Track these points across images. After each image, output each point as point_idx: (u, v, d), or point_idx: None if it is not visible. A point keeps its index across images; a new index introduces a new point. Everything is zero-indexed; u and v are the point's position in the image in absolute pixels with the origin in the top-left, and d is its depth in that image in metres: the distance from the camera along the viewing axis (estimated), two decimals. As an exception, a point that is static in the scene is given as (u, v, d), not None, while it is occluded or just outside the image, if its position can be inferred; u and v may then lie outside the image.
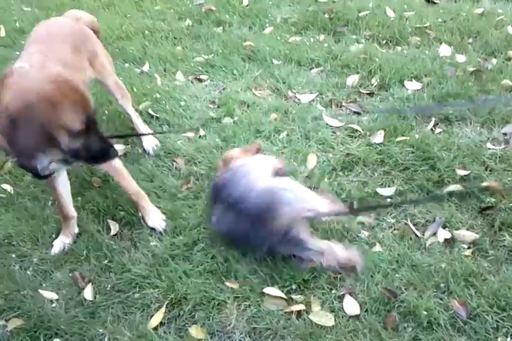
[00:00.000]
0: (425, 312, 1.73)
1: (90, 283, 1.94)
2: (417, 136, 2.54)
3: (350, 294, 1.83)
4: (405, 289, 1.83)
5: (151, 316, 1.81)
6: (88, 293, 1.90)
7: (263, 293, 1.85)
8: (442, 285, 1.84)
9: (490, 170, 2.32)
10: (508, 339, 1.64)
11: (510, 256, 1.94)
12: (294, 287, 1.86)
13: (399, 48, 3.40)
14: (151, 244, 2.06)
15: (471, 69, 3.00)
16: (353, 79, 3.08)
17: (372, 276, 1.88)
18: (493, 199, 2.15)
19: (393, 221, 2.14)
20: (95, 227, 2.16)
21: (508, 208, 2.09)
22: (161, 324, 1.79)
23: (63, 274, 1.99)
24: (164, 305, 1.82)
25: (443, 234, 2.03)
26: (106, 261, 2.01)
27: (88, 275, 1.97)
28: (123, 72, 3.31)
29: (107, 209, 2.23)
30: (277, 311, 1.80)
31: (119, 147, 2.61)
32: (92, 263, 2.01)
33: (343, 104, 2.93)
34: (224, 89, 3.17)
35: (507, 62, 3.08)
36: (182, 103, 2.96)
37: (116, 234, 2.14)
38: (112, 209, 2.23)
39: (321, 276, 1.88)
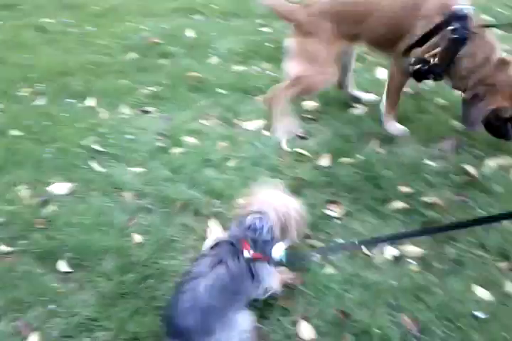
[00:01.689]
0: (378, 331, 1.75)
1: (35, 331, 1.84)
2: (361, 157, 2.61)
3: (305, 319, 1.83)
4: (358, 309, 1.85)
5: (103, 361, 1.74)
6: (33, 343, 1.81)
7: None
8: (393, 302, 1.86)
9: (431, 186, 2.40)
10: (458, 350, 1.67)
11: (454, 268, 2.00)
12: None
13: (339, 73, 3.51)
14: (100, 284, 2.00)
15: (411, 92, 3.14)
16: (297, 105, 3.16)
17: (324, 299, 1.89)
18: (435, 214, 2.22)
19: (343, 241, 2.17)
20: (40, 271, 2.08)
21: (450, 221, 2.16)
22: (113, 368, 1.72)
23: (4, 325, 1.87)
24: (116, 348, 1.76)
25: (391, 252, 2.08)
26: (53, 306, 1.92)
27: (33, 322, 1.87)
28: (66, 108, 3.29)
29: (52, 251, 2.16)
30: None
31: (65, 185, 2.56)
32: (36, 309, 1.92)
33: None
34: (171, 120, 3.18)
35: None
36: (128, 136, 2.95)
37: (63, 277, 2.07)
38: (59, 251, 2.16)
39: (273, 304, 1.87)
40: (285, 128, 2.90)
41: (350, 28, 2.64)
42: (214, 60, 3.91)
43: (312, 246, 2.14)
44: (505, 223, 2.12)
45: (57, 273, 2.08)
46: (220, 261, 1.65)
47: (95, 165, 2.70)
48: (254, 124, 3.05)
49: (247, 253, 1.68)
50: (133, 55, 4.07)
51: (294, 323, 1.81)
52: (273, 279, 1.79)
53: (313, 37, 2.67)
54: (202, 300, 1.55)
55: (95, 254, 2.13)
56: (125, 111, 3.27)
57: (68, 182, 2.59)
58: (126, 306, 1.89)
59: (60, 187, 2.54)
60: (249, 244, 1.69)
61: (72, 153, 2.81)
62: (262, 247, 1.70)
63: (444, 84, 2.73)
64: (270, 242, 1.72)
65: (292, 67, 2.79)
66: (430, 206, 2.27)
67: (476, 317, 1.78)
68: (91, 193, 2.51)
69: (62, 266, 2.10)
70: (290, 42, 2.78)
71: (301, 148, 2.76)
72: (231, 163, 2.70)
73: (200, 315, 1.53)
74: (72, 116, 3.22)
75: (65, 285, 2.02)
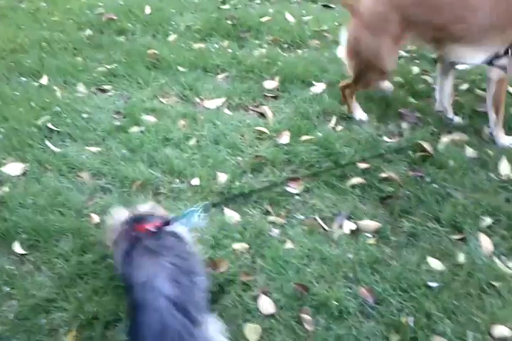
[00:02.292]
0: (336, 303, 1.79)
1: (-11, 315, 1.80)
2: (320, 134, 2.63)
3: (265, 293, 1.85)
4: (317, 282, 1.89)
5: (61, 341, 1.72)
6: (-14, 326, 1.77)
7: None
8: (350, 274, 1.91)
9: (388, 162, 2.45)
10: (411, 318, 1.73)
11: (409, 241, 2.06)
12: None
13: (299, 51, 3.52)
14: (57, 265, 1.96)
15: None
16: (258, 83, 3.14)
17: (284, 273, 1.91)
18: (391, 189, 2.27)
19: (302, 217, 2.20)
20: (-7, 253, 2.03)
21: (406, 196, 2.23)
22: (72, 348, 1.70)
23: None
24: (74, 328, 1.73)
25: (348, 226, 2.12)
26: (7, 289, 1.88)
27: (-13, 306, 1.84)
28: (19, 87, 3.16)
29: (6, 233, 2.10)
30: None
31: (18, 165, 2.48)
32: (-10, 292, 1.87)
33: (250, 107, 2.97)
34: (129, 98, 3.11)
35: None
36: (84, 115, 2.87)
37: (18, 259, 2.02)
38: (13, 233, 2.10)
39: (234, 280, 1.89)
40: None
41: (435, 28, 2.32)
42: (173, 37, 3.82)
43: (273, 223, 2.16)
44: (458, 196, 2.19)
45: (12, 255, 2.04)
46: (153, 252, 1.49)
47: (50, 145, 2.62)
48: (214, 102, 3.02)
49: (151, 228, 1.57)
50: (88, 32, 3.92)
51: (255, 298, 1.84)
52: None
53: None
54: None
55: (52, 235, 2.09)
56: (81, 89, 3.17)
57: (22, 162, 2.51)
58: (85, 286, 1.87)
59: (13, 168, 2.46)
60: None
61: (25, 133, 2.71)
62: None
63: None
64: None
65: (348, 64, 2.61)
66: (387, 181, 2.32)
67: (429, 287, 1.85)
68: (46, 174, 2.44)
69: (17, 248, 2.05)
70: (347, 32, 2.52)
71: (261, 126, 2.75)
72: (191, 142, 2.67)
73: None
74: (25, 94, 3.10)
75: (20, 267, 1.98)
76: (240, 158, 2.54)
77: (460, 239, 2.05)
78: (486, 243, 2.00)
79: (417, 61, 3.34)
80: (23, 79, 3.29)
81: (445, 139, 2.57)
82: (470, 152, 2.47)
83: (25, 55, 3.57)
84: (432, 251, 2.00)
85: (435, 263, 1.94)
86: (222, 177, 2.40)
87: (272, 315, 1.78)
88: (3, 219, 2.16)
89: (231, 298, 1.83)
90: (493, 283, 1.84)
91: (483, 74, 3.10)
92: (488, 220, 2.09)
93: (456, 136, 2.58)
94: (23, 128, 2.74)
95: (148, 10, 4.24)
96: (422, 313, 1.75)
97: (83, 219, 2.18)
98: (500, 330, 1.70)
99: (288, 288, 1.86)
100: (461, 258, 1.96)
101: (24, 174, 2.45)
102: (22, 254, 2.03)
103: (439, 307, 1.78)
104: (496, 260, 1.94)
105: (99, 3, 4.42)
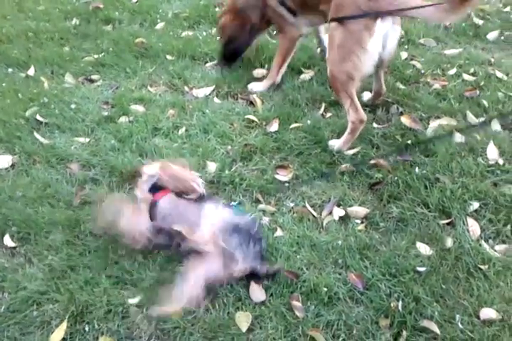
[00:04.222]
0: (325, 289, 1.81)
1: (-20, 308, 1.81)
2: (308, 121, 2.64)
3: (255, 281, 1.87)
4: (306, 269, 1.90)
5: (52, 333, 1.72)
6: (-22, 319, 1.78)
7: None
8: (340, 260, 1.93)
9: (376, 148, 2.46)
10: (400, 302, 1.75)
11: (398, 226, 2.08)
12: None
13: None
14: (48, 257, 1.96)
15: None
16: (247, 72, 3.12)
17: (275, 261, 1.93)
18: (380, 175, 2.28)
19: (292, 204, 2.21)
20: (-17, 246, 2.03)
21: (394, 182, 2.24)
22: (64, 340, 1.70)
23: None
24: (66, 320, 1.74)
25: (338, 212, 2.13)
26: (-2, 281, 1.89)
27: (-22, 298, 1.84)
28: (6, 78, 3.13)
29: (-4, 225, 2.10)
30: (184, 309, 1.79)
31: (6, 157, 2.47)
32: (-19, 285, 1.88)
33: (239, 95, 2.96)
34: (117, 88, 3.09)
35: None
36: (73, 106, 2.85)
37: (9, 252, 2.02)
38: (3, 226, 2.10)
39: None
40: None
41: None
42: (160, 25, 3.79)
43: (263, 211, 2.17)
44: (446, 181, 2.20)
45: (2, 248, 2.04)
46: None
47: (38, 137, 2.61)
48: (203, 91, 3.01)
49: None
50: (75, 21, 3.88)
51: (246, 286, 1.85)
52: None
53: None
54: None
55: (42, 228, 2.09)
56: (69, 79, 3.15)
57: (10, 154, 2.50)
58: (76, 278, 1.88)
59: (1, 160, 2.45)
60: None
61: (13, 125, 2.70)
62: None
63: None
64: None
65: None
66: (375, 167, 2.33)
67: (418, 272, 1.87)
68: (35, 165, 2.44)
69: (8, 240, 2.05)
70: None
71: (250, 115, 2.74)
72: (180, 131, 2.67)
73: None
74: (12, 86, 3.07)
75: (11, 259, 1.99)
76: (229, 147, 2.54)
77: (448, 224, 2.07)
78: (473, 227, 2.03)
79: (406, 46, 3.33)
80: (10, 70, 3.27)
81: (433, 124, 2.57)
82: (458, 137, 2.47)
83: (11, 46, 3.53)
84: (420, 236, 2.02)
85: (423, 248, 1.96)
86: (212, 167, 2.40)
87: (262, 303, 1.80)
88: (-7, 212, 2.16)
89: (222, 286, 1.84)
90: (480, 266, 1.87)
91: (471, 59, 3.12)
92: (475, 204, 2.11)
93: (444, 121, 2.58)
94: (11, 120, 2.72)
95: (135, -2, 4.19)
96: (411, 298, 1.77)
97: (73, 210, 2.17)
98: (487, 312, 1.72)
99: (278, 275, 1.88)
100: (449, 242, 1.98)
101: (13, 166, 2.44)
102: (13, 247, 2.03)
103: (428, 291, 1.80)
104: (483, 243, 1.96)
105: (86, -8, 4.35)
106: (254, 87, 2.98)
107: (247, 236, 1.85)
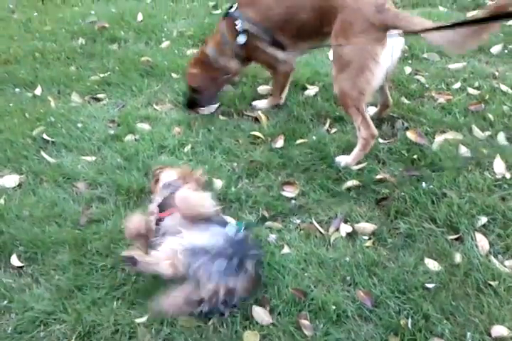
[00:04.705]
0: (334, 307, 1.79)
1: (-12, 328, 1.80)
2: (314, 137, 2.64)
3: (263, 300, 1.84)
4: (314, 287, 1.89)
5: (60, 353, 1.71)
6: (-16, 340, 1.78)
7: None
8: (348, 277, 1.91)
9: (382, 163, 2.46)
10: (409, 320, 1.73)
11: (405, 242, 2.06)
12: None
13: (292, 54, 3.51)
14: (54, 277, 1.96)
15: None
16: (252, 88, 3.15)
17: (282, 279, 1.92)
18: (387, 190, 2.27)
19: (299, 221, 2.20)
20: (-9, 266, 2.03)
21: (401, 197, 2.23)
22: (72, 360, 1.70)
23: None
24: (73, 340, 1.73)
25: (345, 229, 2.12)
26: (5, 302, 1.89)
27: (-16, 320, 1.84)
28: (13, 98, 3.18)
29: (3, 245, 2.11)
30: (193, 328, 1.78)
31: (13, 177, 2.49)
32: (-12, 306, 1.88)
33: (244, 112, 2.98)
34: (123, 106, 3.12)
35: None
36: (79, 125, 2.88)
37: (16, 272, 2.02)
38: (10, 246, 2.11)
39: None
40: None
41: None
42: (165, 43, 3.83)
43: (269, 228, 2.17)
44: (453, 196, 2.19)
45: (10, 268, 2.05)
46: None
47: (45, 156, 2.63)
48: (209, 108, 3.02)
49: None
50: (81, 41, 3.94)
51: (253, 306, 1.83)
52: None
53: None
54: None
55: (49, 247, 2.10)
56: (75, 98, 3.18)
57: (17, 174, 2.52)
58: (83, 298, 1.87)
59: (8, 180, 2.47)
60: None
61: (20, 144, 2.73)
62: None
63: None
64: None
65: None
66: (382, 183, 2.32)
67: (427, 289, 1.85)
68: (42, 185, 2.45)
69: (15, 260, 2.06)
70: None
71: (256, 131, 2.75)
72: (186, 148, 2.68)
73: None
74: (20, 105, 3.11)
75: (18, 280, 1.99)
76: (235, 164, 2.55)
77: (456, 239, 2.05)
78: (482, 242, 2.01)
79: (410, 61, 3.34)
80: (17, 90, 3.31)
81: (439, 138, 2.57)
82: (464, 151, 2.47)
83: (18, 66, 3.59)
84: (428, 252, 2.00)
85: (432, 264, 1.94)
86: (218, 184, 2.40)
87: (270, 324, 1.78)
88: (0, 232, 2.17)
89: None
90: (490, 282, 1.84)
91: (475, 72, 3.12)
92: (483, 219, 2.09)
93: (450, 136, 2.58)
94: (18, 139, 2.75)
95: (140, 17, 4.26)
96: (420, 315, 1.75)
97: (79, 229, 2.18)
98: (498, 330, 1.70)
99: (285, 293, 1.86)
100: (458, 258, 1.95)
101: (20, 186, 2.46)
102: (19, 267, 2.04)
103: (437, 308, 1.78)
104: (493, 259, 1.94)
105: (91, 12, 4.44)
106: (259, 104, 3.00)
107: (217, 256, 1.71)
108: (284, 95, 2.97)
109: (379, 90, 2.57)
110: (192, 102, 2.99)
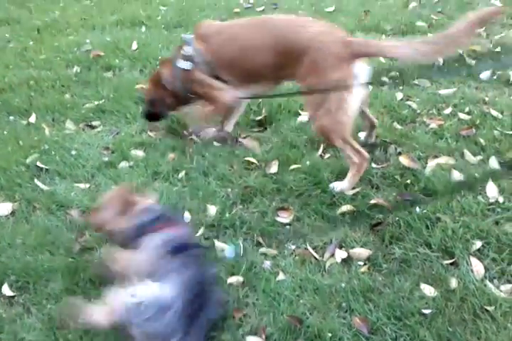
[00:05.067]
0: (330, 334, 1.77)
1: (-24, 362, 1.77)
2: (308, 162, 2.66)
3: (257, 329, 1.82)
4: (310, 314, 1.86)
5: (52, 386, 1.67)
6: (-27, 374, 1.74)
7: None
8: (344, 304, 1.89)
9: (376, 188, 2.47)
10: (407, 347, 1.71)
11: (401, 267, 2.05)
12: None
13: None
14: (47, 307, 1.93)
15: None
16: (246, 114, 3.18)
17: (277, 306, 1.89)
18: (381, 215, 2.28)
19: (293, 247, 2.19)
20: (-19, 297, 2.00)
21: (395, 222, 2.23)
22: None
23: None
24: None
25: (340, 254, 2.11)
26: (-5, 332, 1.85)
27: (-25, 351, 1.80)
28: (7, 126, 3.19)
29: (-6, 274, 2.08)
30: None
31: (6, 205, 2.47)
32: (-22, 337, 1.84)
33: (239, 139, 3.00)
34: (118, 133, 3.14)
35: (381, 88, 3.36)
36: (73, 152, 2.89)
37: (7, 301, 1.99)
38: (1, 275, 2.07)
39: (227, 318, 1.86)
40: None
41: None
42: (160, 71, 3.88)
43: (264, 254, 2.15)
44: (447, 220, 2.20)
45: (1, 297, 2.01)
46: None
47: (39, 184, 2.63)
48: (205, 134, 3.04)
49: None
50: (76, 69, 4.00)
51: (248, 334, 1.80)
52: None
53: None
54: None
55: (41, 276, 2.07)
56: (69, 126, 3.21)
57: (10, 202, 2.51)
58: (76, 328, 1.83)
59: (1, 208, 2.46)
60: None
61: (14, 172, 2.72)
62: None
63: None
64: None
65: None
66: (376, 207, 2.33)
67: (423, 314, 1.83)
68: (35, 212, 2.44)
69: (6, 290, 2.02)
70: None
71: (250, 157, 2.77)
72: (180, 175, 2.69)
73: None
74: (14, 133, 3.13)
75: (9, 309, 1.95)
76: (229, 189, 2.55)
77: (451, 264, 2.04)
78: (477, 267, 2.00)
79: (401, 87, 3.40)
80: (11, 118, 3.33)
81: (431, 163, 2.59)
82: (456, 175, 2.49)
83: (13, 94, 3.62)
84: (424, 277, 1.99)
85: (428, 289, 1.93)
86: (212, 210, 2.40)
87: (265, 351, 1.75)
88: (-9, 260, 2.14)
89: (224, 335, 1.80)
90: (487, 307, 1.82)
91: (466, 98, 3.18)
92: (478, 243, 2.09)
93: (442, 160, 2.61)
94: (12, 167, 2.75)
95: (135, 45, 4.33)
96: (417, 342, 1.73)
97: (73, 258, 2.16)
98: (496, 356, 1.68)
99: (281, 321, 1.84)
100: (454, 283, 1.94)
101: (13, 213, 2.44)
102: (11, 296, 2.00)
103: (434, 334, 1.76)
104: (488, 284, 1.92)
105: (87, 40, 4.52)
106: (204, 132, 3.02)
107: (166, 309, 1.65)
108: (231, 124, 2.97)
109: (360, 114, 2.60)
110: (147, 114, 3.01)
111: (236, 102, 2.82)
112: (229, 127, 3.03)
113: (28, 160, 2.81)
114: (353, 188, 2.45)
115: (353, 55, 2.27)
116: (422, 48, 2.17)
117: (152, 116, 3.02)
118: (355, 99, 2.32)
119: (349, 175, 2.45)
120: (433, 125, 2.94)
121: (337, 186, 2.45)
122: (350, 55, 2.27)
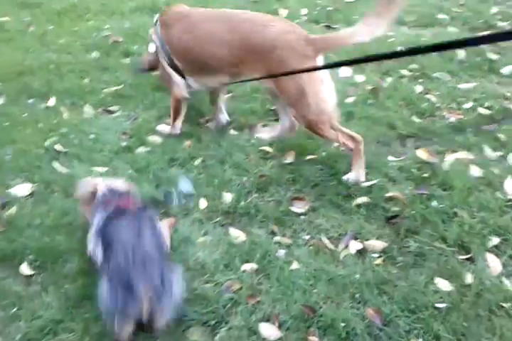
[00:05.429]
0: (343, 324, 1.77)
1: (-4, 335, 1.81)
2: (324, 153, 2.65)
3: (272, 316, 1.83)
4: (323, 303, 1.87)
5: (68, 362, 1.71)
6: (-7, 347, 1.78)
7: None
8: (357, 295, 1.90)
9: (393, 181, 2.45)
10: (420, 340, 1.71)
11: (416, 261, 2.04)
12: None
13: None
14: (64, 286, 1.96)
15: (370, 87, 3.21)
16: (263, 103, 3.17)
17: (291, 295, 1.90)
18: (397, 208, 2.27)
19: (308, 237, 2.19)
20: (1, 275, 2.04)
21: (411, 215, 2.22)
22: (79, 369, 1.69)
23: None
24: (81, 349, 1.73)
25: (355, 246, 2.11)
26: (14, 309, 1.89)
27: (-6, 326, 1.83)
28: (27, 109, 3.21)
29: (14, 253, 2.11)
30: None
31: (26, 186, 2.50)
32: (-3, 314, 1.88)
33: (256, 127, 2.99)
34: (136, 119, 3.15)
35: (400, 80, 3.33)
36: (91, 136, 2.91)
37: (26, 280, 2.03)
38: (20, 254, 2.11)
39: (240, 304, 1.88)
40: None
41: None
42: (178, 58, 3.87)
43: (279, 243, 2.16)
44: (464, 216, 2.18)
45: (19, 276, 2.05)
46: None
47: (57, 166, 2.66)
48: (219, 122, 3.04)
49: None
50: (95, 54, 4.01)
51: (261, 321, 1.82)
52: None
53: None
54: None
55: (59, 256, 2.10)
56: (88, 110, 3.22)
57: (29, 183, 2.53)
58: (92, 307, 1.86)
59: (20, 189, 2.49)
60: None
61: (33, 154, 2.75)
62: None
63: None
64: None
65: None
66: (392, 200, 2.32)
67: (438, 308, 1.83)
68: (53, 194, 2.47)
69: (25, 268, 2.06)
70: None
71: (266, 146, 2.77)
72: (197, 162, 2.69)
73: None
74: (33, 116, 3.15)
75: (27, 288, 1.99)
76: (245, 178, 2.56)
77: (467, 259, 2.03)
78: (493, 263, 1.98)
79: (421, 80, 3.37)
80: (31, 101, 3.36)
81: (449, 158, 2.57)
82: (475, 171, 2.46)
83: (33, 78, 3.64)
84: (439, 272, 1.98)
85: (443, 284, 1.92)
86: (228, 197, 2.41)
87: (278, 339, 1.76)
88: (11, 240, 2.18)
89: (237, 320, 1.82)
90: (503, 304, 1.81)
91: (486, 92, 3.14)
92: (495, 240, 2.07)
93: (461, 155, 2.58)
94: (31, 149, 2.78)
95: (153, 32, 4.31)
96: (431, 335, 1.73)
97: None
98: (510, 353, 1.67)
99: (295, 309, 1.85)
100: (469, 278, 1.93)
101: (31, 195, 2.47)
102: (29, 275, 2.04)
103: (448, 328, 1.75)
104: (505, 280, 1.91)
105: (106, 26, 4.52)
106: (161, 128, 3.01)
107: None
108: (178, 125, 2.94)
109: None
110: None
111: (184, 99, 2.87)
112: (223, 115, 3.04)
113: (46, 143, 2.84)
114: (370, 180, 2.44)
115: (316, 52, 2.35)
116: (374, 21, 2.25)
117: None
118: (328, 87, 2.39)
119: (353, 163, 2.46)
120: (452, 119, 2.91)
121: (349, 177, 2.45)
122: (313, 52, 2.34)
